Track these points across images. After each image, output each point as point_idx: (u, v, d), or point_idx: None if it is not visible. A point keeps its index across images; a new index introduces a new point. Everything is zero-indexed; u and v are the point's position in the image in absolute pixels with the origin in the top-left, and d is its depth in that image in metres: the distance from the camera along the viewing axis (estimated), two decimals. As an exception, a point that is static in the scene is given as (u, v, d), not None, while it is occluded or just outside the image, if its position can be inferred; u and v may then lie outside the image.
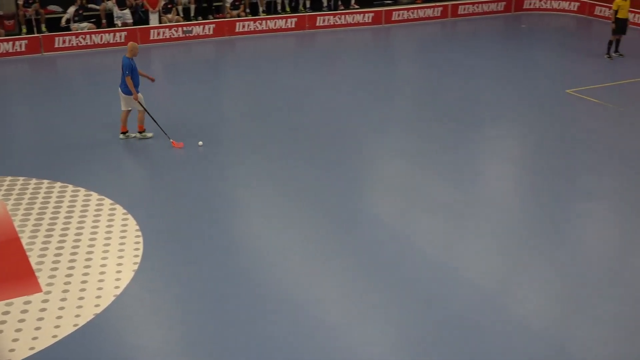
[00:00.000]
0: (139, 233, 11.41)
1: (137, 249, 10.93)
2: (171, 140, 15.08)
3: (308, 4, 27.01)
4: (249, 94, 18.92)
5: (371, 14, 27.06)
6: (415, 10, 27.91)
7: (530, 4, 29.73)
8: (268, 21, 25.65)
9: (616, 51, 22.70)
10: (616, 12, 21.99)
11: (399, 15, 27.55)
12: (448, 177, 13.92)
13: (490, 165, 14.94)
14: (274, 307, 9.58)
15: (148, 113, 15.18)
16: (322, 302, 9.76)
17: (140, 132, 15.37)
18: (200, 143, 15.06)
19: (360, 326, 9.26)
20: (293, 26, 25.97)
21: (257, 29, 25.42)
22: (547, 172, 14.18)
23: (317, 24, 26.27)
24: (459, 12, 28.67)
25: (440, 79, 20.44)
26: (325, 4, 27.16)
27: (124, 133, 15.34)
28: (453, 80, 20.23)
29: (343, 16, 26.70)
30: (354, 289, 10.15)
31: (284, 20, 25.88)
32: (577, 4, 29.09)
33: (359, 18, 26.92)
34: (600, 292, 10.13)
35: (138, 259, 10.66)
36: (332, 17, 26.52)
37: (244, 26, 25.34)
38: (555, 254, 11.14)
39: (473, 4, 28.90)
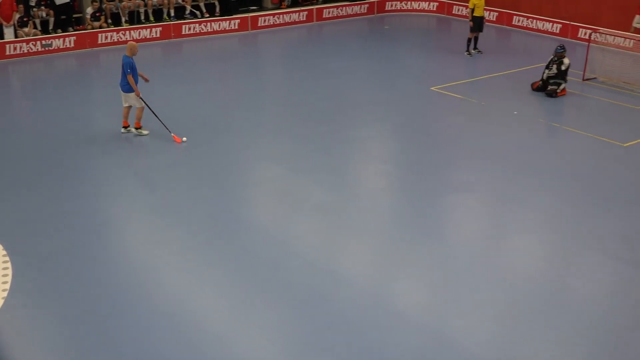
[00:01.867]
0: (7, 258, 10.94)
1: (5, 275, 10.47)
2: (172, 134, 15.68)
3: (172, 13, 26.68)
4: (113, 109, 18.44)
5: (237, 21, 27.06)
6: (281, 15, 28.13)
7: (391, 5, 30.62)
8: (131, 31, 25.15)
9: (475, 48, 23.78)
10: (473, 10, 23.06)
11: (265, 20, 27.69)
12: (322, 178, 14.15)
13: (363, 164, 15.31)
14: (157, 322, 9.43)
15: (150, 109, 15.70)
16: (205, 312, 9.71)
17: (137, 129, 15.93)
18: (185, 139, 15.65)
19: (245, 334, 9.28)
20: (158, 35, 25.58)
21: (120, 40, 24.85)
22: (418, 167, 14.69)
23: (183, 33, 26.01)
24: (324, 16, 29.15)
25: (308, 83, 20.72)
26: (187, 11, 26.91)
27: (125, 127, 16.01)
28: (321, 83, 20.55)
29: (209, 24, 26.55)
30: (236, 297, 10.15)
31: (148, 29, 25.45)
32: (436, 3, 30.23)
33: (224, 25, 26.85)
34: (475, 280, 10.61)
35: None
36: (197, 25, 26.32)
37: (106, 37, 24.72)
38: (430, 247, 11.57)
39: (337, 7, 29.46)
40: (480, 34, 23.72)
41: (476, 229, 12.55)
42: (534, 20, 27.09)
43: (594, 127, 16.93)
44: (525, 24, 27.43)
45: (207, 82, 20.00)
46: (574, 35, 25.69)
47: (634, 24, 23.98)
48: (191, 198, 13.23)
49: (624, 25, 23.92)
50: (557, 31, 26.34)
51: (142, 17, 26.28)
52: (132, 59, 15.41)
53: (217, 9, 27.65)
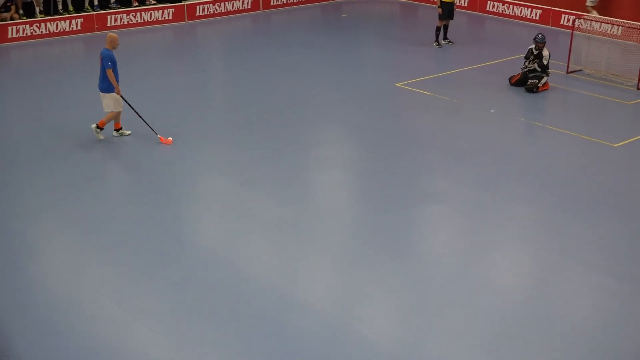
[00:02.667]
0: None
1: None
2: (159, 136, 16.04)
3: (96, 2, 26.49)
4: (30, 114, 18.24)
5: (171, 10, 27.01)
6: (222, 3, 28.14)
7: (349, -10, 30.89)
8: (48, 24, 24.92)
9: (445, 38, 24.10)
10: (441, -5, 23.38)
11: (203, 9, 27.68)
12: (274, 191, 14.19)
13: (321, 173, 15.38)
14: (93, 356, 9.41)
15: (134, 109, 16.02)
16: (141, 351, 9.67)
17: (98, 127, 16.06)
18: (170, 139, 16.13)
19: (189, 371, 9.28)
20: (79, 28, 25.38)
21: (35, 34, 24.61)
22: (382, 175, 14.83)
23: (109, 24, 25.85)
24: (272, 4, 29.24)
25: (255, 81, 20.74)
26: (112, 0, 26.75)
27: (117, 130, 16.35)
28: (270, 81, 20.62)
29: (139, 14, 26.45)
30: (179, 329, 10.14)
31: (68, 21, 25.24)
32: (400, -12, 30.60)
33: (157, 15, 26.78)
34: (449, 301, 10.76)
35: None
36: (125, 15, 26.19)
37: (17, 31, 24.44)
38: (399, 265, 11.69)
39: (287, -7, 29.61)
40: (451, 22, 24.05)
41: (450, 243, 12.71)
42: (511, 6, 27.57)
43: (580, 126, 17.30)
44: (500, 10, 27.90)
45: (140, 81, 19.91)
46: (556, 22, 26.22)
47: (588, 3, 25.39)
48: (124, 215, 13.16)
49: (610, 10, 24.50)
50: (537, 18, 26.85)
51: (60, 7, 26.03)
52: (112, 52, 15.69)
53: (148, -3, 27.59)
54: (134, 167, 15.10)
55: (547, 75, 19.62)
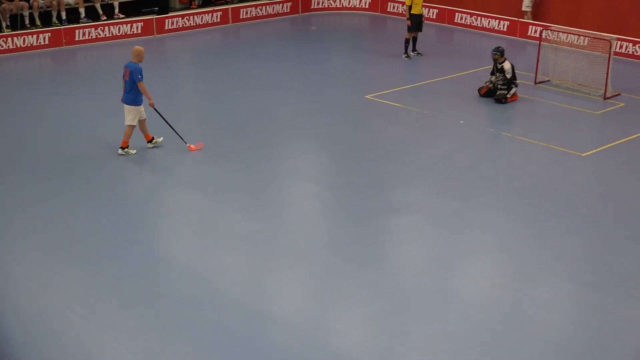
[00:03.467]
0: None
1: None
2: (188, 144, 16.40)
3: (64, 16, 26.33)
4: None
5: (140, 24, 26.91)
6: (191, 17, 28.09)
7: (318, 3, 30.95)
8: (15, 38, 24.72)
9: (414, 50, 24.23)
10: (410, 8, 23.50)
11: (172, 23, 27.60)
12: (245, 204, 14.16)
13: (291, 186, 15.38)
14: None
15: (164, 119, 16.29)
16: (121, 355, 9.61)
17: (123, 148, 16.09)
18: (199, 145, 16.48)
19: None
20: (47, 43, 25.19)
21: (2, 49, 24.40)
22: (353, 187, 14.85)
23: (77, 39, 25.69)
24: (241, 17, 29.24)
25: (225, 93, 20.70)
26: (83, 15, 26.62)
27: (150, 141, 16.43)
28: (240, 94, 20.58)
29: (107, 28, 26.33)
30: (149, 345, 10.06)
31: (35, 36, 25.05)
32: (369, 0, 30.70)
33: (126, 29, 26.67)
34: (422, 312, 10.79)
35: None
36: (94, 29, 26.05)
37: (-16, 46, 24.26)
38: (371, 277, 11.70)
39: (256, 6, 29.61)
40: (420, 33, 24.20)
41: (422, 254, 12.76)
42: (479, 18, 27.79)
43: (549, 136, 17.45)
44: (469, 21, 28.12)
45: (108, 96, 19.83)
46: (524, 34, 26.47)
47: (524, 7, 26.66)
48: (93, 231, 13.05)
49: (577, 21, 24.80)
50: (505, 29, 27.09)
51: (27, 22, 25.85)
52: (139, 65, 15.86)
53: (117, 10, 27.46)
54: (103, 182, 14.98)
55: (516, 86, 19.77)
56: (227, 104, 19.83)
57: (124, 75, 15.96)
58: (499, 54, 19.72)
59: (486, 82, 20.09)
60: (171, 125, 16.45)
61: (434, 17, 28.74)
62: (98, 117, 18.59)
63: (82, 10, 26.64)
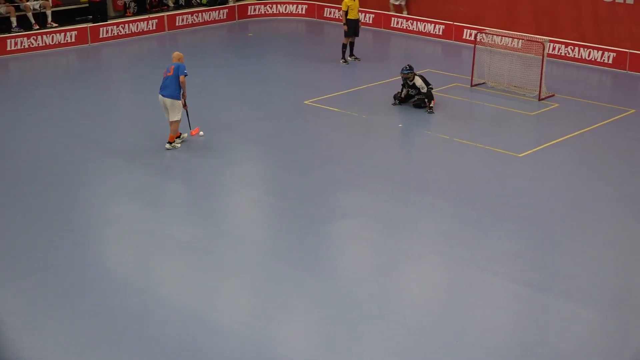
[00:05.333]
0: None
1: None
2: (191, 130, 17.40)
3: (-7, 25, 25.84)
4: None
5: (74, 33, 26.52)
6: (127, 25, 27.80)
7: (254, 10, 30.91)
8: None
9: (351, 55, 24.35)
10: (346, 13, 23.63)
11: (107, 31, 27.27)
12: (184, 212, 14.06)
13: (230, 194, 15.31)
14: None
15: (187, 114, 17.26)
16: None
17: (170, 143, 16.93)
18: (202, 133, 17.45)
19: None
20: (-25, 53, 24.73)
21: None
22: (295, 193, 14.85)
23: (9, 49, 25.20)
24: (177, 24, 29.04)
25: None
26: (14, 24, 26.14)
27: (178, 137, 17.14)
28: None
29: (40, 37, 25.89)
30: (95, 351, 9.92)
31: (-35, 46, 24.56)
32: (305, 6, 30.78)
33: (59, 38, 26.26)
34: (366, 317, 10.83)
35: None
36: (26, 39, 25.60)
37: None
38: (314, 283, 11.72)
39: (192, 13, 29.45)
40: (357, 38, 24.33)
41: (364, 259, 12.81)
42: (415, 22, 28.06)
43: (486, 138, 17.68)
44: (405, 26, 28.36)
45: (41, 107, 19.51)
46: (459, 37, 26.81)
47: (392, 1, 28.25)
48: (28, 244, 12.81)
49: (509, 24, 25.22)
50: (440, 33, 27.39)
51: (-43, 32, 25.31)
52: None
53: (49, 19, 27.04)
54: (39, 192, 14.72)
55: (432, 97, 19.52)
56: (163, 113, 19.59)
57: (166, 72, 16.70)
58: (411, 73, 19.64)
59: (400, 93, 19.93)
60: (189, 118, 17.26)
61: (371, 22, 28.93)
62: (33, 127, 18.28)
63: (13, 20, 26.17)
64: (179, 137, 17.13)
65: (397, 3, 28.47)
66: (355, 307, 11.08)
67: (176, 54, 17.16)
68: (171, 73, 16.61)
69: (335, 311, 10.99)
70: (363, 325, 10.66)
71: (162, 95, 16.68)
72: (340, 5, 24.26)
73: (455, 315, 11.01)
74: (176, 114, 16.69)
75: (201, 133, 17.44)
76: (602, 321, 10.98)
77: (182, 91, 16.65)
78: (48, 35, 26.13)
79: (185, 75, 16.58)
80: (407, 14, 28.45)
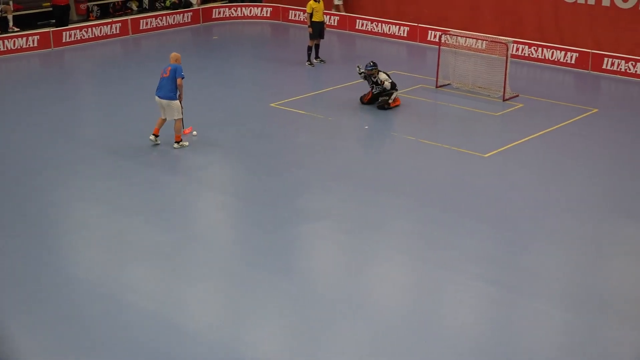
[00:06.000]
0: None
1: None
2: (183, 129, 17.20)
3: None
4: None
5: (37, 37, 26.26)
6: (90, 29, 27.58)
7: (219, 13, 30.83)
8: None
9: (317, 57, 24.38)
10: (311, 15, 23.66)
11: (70, 35, 27.04)
12: (152, 217, 13.97)
13: (198, 198, 15.25)
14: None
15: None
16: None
17: (177, 142, 17.15)
18: (195, 133, 17.30)
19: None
20: (-62, 59, 24.39)
21: None
22: (262, 196, 14.84)
23: (-30, 54, 24.96)
24: (140, 28, 28.87)
25: (126, 106, 20.35)
26: (-24, 29, 25.88)
27: (156, 136, 17.23)
28: (144, 106, 20.21)
29: (1, 42, 25.60)
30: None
31: None
32: (270, 9, 30.76)
33: (21, 43, 25.99)
34: (335, 318, 10.84)
35: None
36: (-13, 44, 25.33)
37: None
38: (283, 286, 11.71)
39: (156, 17, 29.30)
40: (322, 41, 24.36)
41: (333, 261, 12.83)
42: (379, 24, 28.16)
43: (451, 138, 17.79)
44: (369, 28, 28.46)
45: (6, 115, 19.32)
46: (424, 39, 26.95)
47: (336, 1, 28.97)
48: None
49: (473, 25, 25.40)
50: (405, 35, 27.51)
51: None
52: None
53: (11, 24, 26.75)
54: (3, 198, 14.57)
55: (396, 90, 19.89)
56: (127, 116, 19.50)
57: (163, 73, 16.76)
58: (374, 69, 19.86)
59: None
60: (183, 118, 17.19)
61: (336, 24, 28.99)
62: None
63: (-26, 25, 25.91)
64: (157, 136, 17.17)
65: (338, 3, 29.09)
66: (325, 308, 11.09)
67: (173, 54, 17.17)
68: (167, 74, 16.67)
69: (303, 314, 11.00)
70: (333, 326, 10.67)
71: (158, 96, 16.85)
72: (305, 7, 24.29)
73: (424, 315, 11.06)
74: (175, 114, 16.85)
75: (194, 133, 17.35)
76: (569, 320, 11.08)
77: (178, 93, 16.72)
78: (9, 40, 25.83)
79: (182, 78, 16.70)
80: (345, 13, 29.13)
